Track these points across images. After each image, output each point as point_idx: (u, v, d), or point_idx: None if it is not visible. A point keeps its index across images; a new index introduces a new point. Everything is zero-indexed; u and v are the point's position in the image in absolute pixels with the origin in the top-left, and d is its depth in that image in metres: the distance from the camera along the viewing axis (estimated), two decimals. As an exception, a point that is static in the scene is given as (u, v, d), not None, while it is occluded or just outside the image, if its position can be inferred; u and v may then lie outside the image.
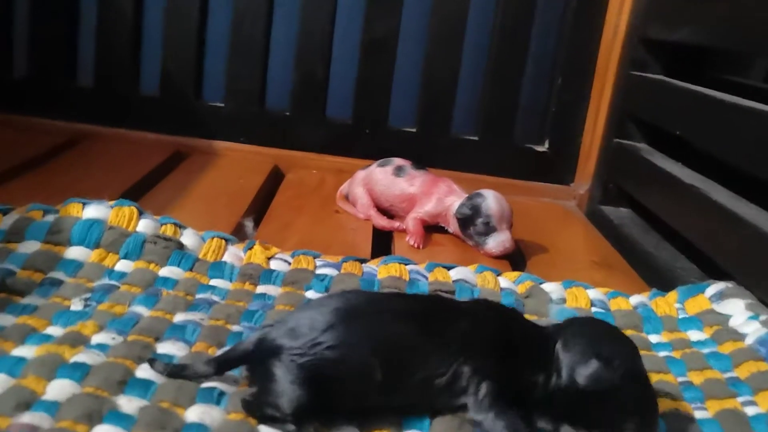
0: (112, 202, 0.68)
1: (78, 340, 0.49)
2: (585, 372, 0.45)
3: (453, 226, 0.89)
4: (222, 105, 1.16)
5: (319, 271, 0.67)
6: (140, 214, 0.68)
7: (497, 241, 0.83)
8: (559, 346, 0.47)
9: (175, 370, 0.47)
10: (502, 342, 0.47)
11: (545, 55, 1.20)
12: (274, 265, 0.68)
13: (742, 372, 0.55)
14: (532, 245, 0.92)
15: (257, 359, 0.46)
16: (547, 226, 1.03)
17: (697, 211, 0.80)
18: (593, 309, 0.67)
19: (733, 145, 0.75)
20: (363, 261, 0.72)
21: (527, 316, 0.64)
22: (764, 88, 1.02)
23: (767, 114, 0.70)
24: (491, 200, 0.84)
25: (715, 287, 0.67)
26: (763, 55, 0.85)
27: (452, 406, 0.46)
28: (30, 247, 0.62)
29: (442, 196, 0.90)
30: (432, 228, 0.92)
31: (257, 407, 0.44)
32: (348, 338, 0.44)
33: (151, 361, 0.48)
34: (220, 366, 0.48)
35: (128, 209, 0.67)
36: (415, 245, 0.87)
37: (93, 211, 0.66)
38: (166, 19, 1.13)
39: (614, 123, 1.10)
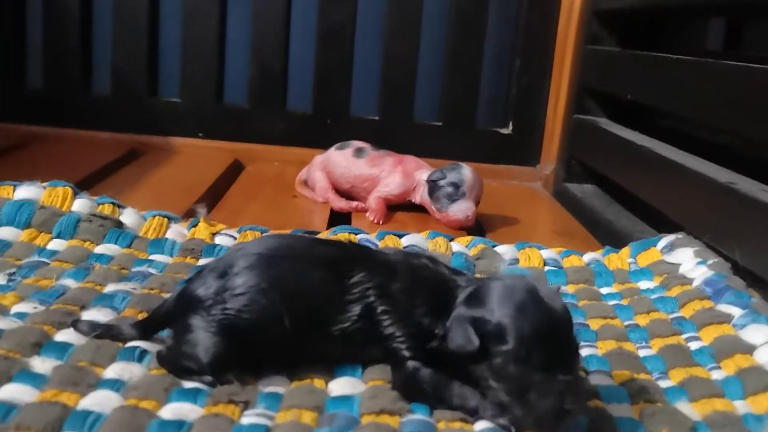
0: (45, 183, 0.66)
1: (-5, 310, 0.47)
2: (454, 336, 0.40)
3: (421, 194, 0.88)
4: (178, 101, 1.15)
5: (264, 244, 0.66)
6: (75, 194, 0.66)
7: (461, 207, 0.82)
8: (458, 301, 0.42)
9: (99, 332, 0.45)
10: (415, 293, 0.43)
11: (504, 38, 1.20)
12: (219, 240, 0.67)
13: (687, 311, 0.54)
14: (494, 220, 0.91)
15: (178, 314, 0.44)
16: (511, 205, 1.01)
17: (648, 169, 0.80)
18: (546, 267, 0.66)
19: (677, 99, 0.75)
20: (313, 233, 0.70)
21: (477, 276, 0.63)
22: (715, 51, 1.02)
23: (704, 64, 0.70)
24: (467, 170, 0.85)
25: (666, 239, 0.66)
26: (709, 14, 0.85)
27: (375, 357, 0.44)
28: (-43, 229, 0.60)
29: (410, 171, 0.89)
30: (396, 207, 0.90)
31: (172, 359, 0.42)
32: (255, 285, 0.42)
33: (75, 323, 0.46)
34: (146, 329, 0.46)
35: (62, 189, 0.65)
36: (376, 221, 0.85)
37: (24, 191, 0.64)
38: (115, 17, 1.12)
39: (574, 99, 1.10)
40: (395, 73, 1.16)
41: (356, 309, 0.43)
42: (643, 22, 1.01)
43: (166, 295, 0.54)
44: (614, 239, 0.85)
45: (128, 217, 0.66)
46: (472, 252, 0.67)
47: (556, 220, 0.96)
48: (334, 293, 0.43)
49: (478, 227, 0.88)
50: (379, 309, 0.43)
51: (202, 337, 0.42)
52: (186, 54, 1.13)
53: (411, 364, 0.41)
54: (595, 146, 1.02)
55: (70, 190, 0.65)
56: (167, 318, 0.45)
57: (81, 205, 0.65)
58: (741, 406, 0.43)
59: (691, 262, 0.61)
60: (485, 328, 0.39)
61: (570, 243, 0.83)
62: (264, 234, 0.45)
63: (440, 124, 1.19)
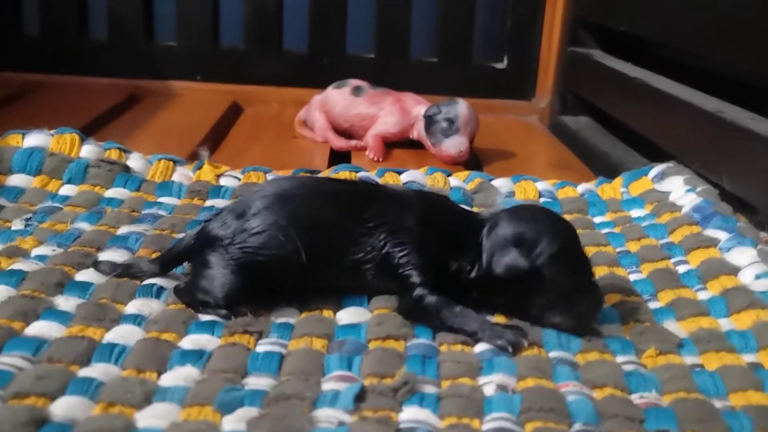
0: (52, 131, 0.67)
1: (16, 253, 0.50)
2: (500, 260, 0.42)
3: (418, 130, 0.89)
4: (175, 44, 1.15)
5: (268, 184, 0.68)
6: (82, 140, 0.67)
7: (455, 143, 0.84)
8: (485, 232, 0.44)
9: (119, 271, 0.48)
10: (430, 226, 0.45)
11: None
12: (223, 181, 0.69)
13: (676, 236, 0.56)
14: (490, 154, 0.92)
15: (197, 251, 0.46)
16: (507, 139, 1.03)
17: (640, 100, 0.81)
18: (541, 199, 0.68)
19: (669, 30, 0.76)
20: (315, 173, 0.72)
21: (475, 209, 0.65)
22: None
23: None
24: (462, 105, 0.86)
25: (657, 168, 0.68)
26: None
27: (385, 289, 0.46)
28: (-30, 177, 0.62)
29: (408, 108, 0.90)
30: (394, 145, 0.92)
31: (189, 293, 0.45)
32: (272, 223, 0.44)
33: (96, 264, 0.48)
34: (164, 264, 0.48)
35: (69, 136, 0.67)
36: (375, 158, 0.87)
37: (33, 139, 0.66)
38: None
39: (568, 32, 1.10)
40: (390, 10, 1.16)
41: (371, 241, 0.44)
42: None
43: (178, 236, 0.56)
44: (608, 170, 0.86)
45: (135, 161, 0.68)
46: (469, 186, 0.69)
47: (552, 152, 0.98)
48: (349, 226, 0.44)
49: (474, 161, 0.90)
50: (394, 241, 0.44)
51: (219, 273, 0.44)
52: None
53: (418, 290, 0.44)
54: (589, 79, 1.03)
55: (77, 137, 0.67)
56: (186, 254, 0.47)
57: (89, 151, 0.66)
58: (725, 323, 0.46)
59: (680, 189, 0.63)
60: (527, 244, 0.42)
61: (565, 175, 0.85)
62: (276, 176, 0.47)
63: (436, 60, 1.19)
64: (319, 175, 0.71)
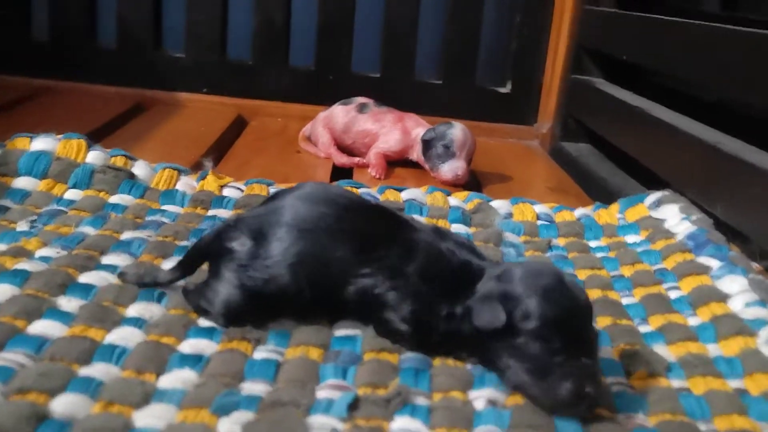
0: (59, 136, 0.68)
1: (20, 253, 0.51)
2: (479, 311, 0.41)
3: (417, 152, 0.90)
4: (182, 56, 1.17)
5: (271, 196, 0.69)
6: (89, 146, 0.68)
7: (452, 167, 0.85)
8: (480, 284, 0.43)
9: (143, 280, 0.48)
10: (427, 277, 0.44)
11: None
12: (227, 192, 0.70)
13: (670, 263, 0.57)
14: (490, 176, 0.94)
15: (213, 255, 0.47)
16: (507, 162, 1.04)
17: (640, 129, 0.83)
18: (539, 222, 0.69)
19: (671, 60, 0.77)
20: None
21: (473, 228, 0.66)
22: (711, 12, 1.04)
23: (698, 27, 0.72)
24: (457, 129, 0.87)
25: (653, 196, 0.69)
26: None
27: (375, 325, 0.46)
28: (-23, 179, 0.63)
29: (409, 129, 0.92)
30: (396, 163, 0.93)
31: (195, 297, 0.46)
32: (283, 261, 0.44)
33: (122, 275, 0.49)
34: (185, 267, 0.48)
35: (76, 141, 0.68)
36: (377, 176, 0.88)
37: (40, 143, 0.67)
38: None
39: (572, 59, 1.11)
40: (397, 31, 1.18)
41: (369, 282, 0.44)
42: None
43: (180, 243, 0.57)
44: (606, 196, 0.88)
45: (140, 169, 0.69)
46: (468, 206, 0.71)
47: (551, 176, 0.99)
48: (352, 267, 0.44)
49: (474, 183, 0.91)
50: (388, 284, 0.44)
51: (224, 288, 0.45)
52: (190, 6, 1.14)
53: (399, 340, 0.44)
54: (590, 106, 1.05)
55: (84, 142, 0.68)
56: (204, 256, 0.48)
57: (95, 156, 0.67)
58: (713, 349, 0.46)
59: (675, 217, 0.64)
60: (512, 305, 0.39)
61: (563, 199, 0.86)
62: (301, 190, 0.45)
63: (440, 82, 1.21)
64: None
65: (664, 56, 0.81)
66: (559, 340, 0.38)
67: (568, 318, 0.39)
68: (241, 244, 0.45)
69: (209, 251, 0.47)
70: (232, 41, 1.18)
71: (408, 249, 0.45)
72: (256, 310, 0.45)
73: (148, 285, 0.48)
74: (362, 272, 0.44)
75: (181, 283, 0.48)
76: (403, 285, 0.44)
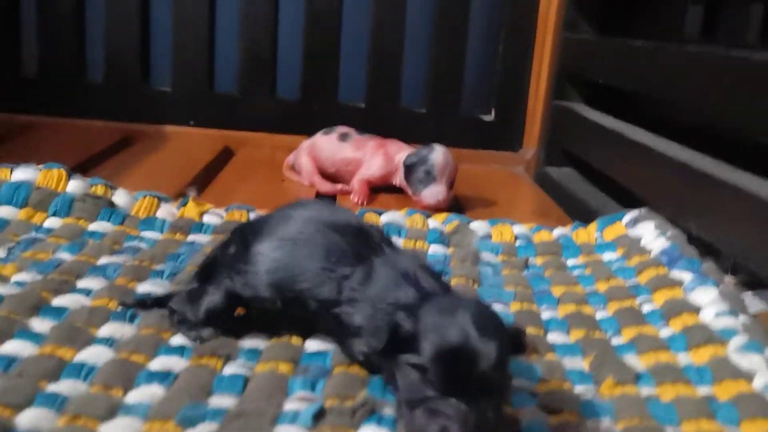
0: (40, 166, 0.69)
1: (-4, 278, 0.51)
2: (374, 333, 0.40)
3: (400, 178, 0.91)
4: (169, 89, 1.18)
5: (250, 221, 0.69)
6: (69, 176, 0.69)
7: (433, 192, 0.86)
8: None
9: (154, 302, 0.50)
10: (382, 298, 0.43)
11: (488, 27, 1.23)
12: (207, 218, 0.70)
13: (643, 278, 0.58)
14: (473, 201, 0.94)
15: (212, 260, 0.49)
16: (491, 188, 1.05)
17: (618, 151, 0.84)
18: (517, 242, 0.70)
19: (642, 81, 0.79)
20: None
21: (451, 248, 0.67)
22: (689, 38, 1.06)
23: (673, 51, 0.73)
24: (438, 153, 0.88)
25: (630, 214, 0.70)
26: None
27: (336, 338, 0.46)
28: (-42, 208, 0.63)
29: (392, 154, 0.93)
30: (379, 189, 0.94)
31: (179, 307, 0.47)
32: (259, 272, 0.45)
33: (138, 303, 0.50)
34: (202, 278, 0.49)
35: (57, 171, 0.69)
36: (359, 202, 0.89)
37: (21, 173, 0.68)
38: (108, 4, 1.15)
39: (554, 86, 1.13)
40: (382, 60, 1.20)
41: (333, 296, 0.44)
42: (620, 8, 1.05)
43: (157, 266, 0.58)
44: (586, 216, 0.88)
45: (120, 197, 0.70)
46: (447, 228, 0.71)
47: (534, 201, 1.00)
48: (323, 282, 0.44)
49: (457, 208, 0.92)
50: (344, 304, 0.44)
51: (210, 293, 0.47)
52: (177, 41, 1.16)
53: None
54: (571, 131, 1.06)
55: (64, 172, 0.69)
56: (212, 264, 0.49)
57: (75, 186, 0.68)
58: (683, 358, 0.47)
59: (651, 234, 0.64)
60: (401, 333, 0.38)
61: (545, 222, 0.86)
62: (294, 205, 0.46)
63: (425, 110, 1.22)
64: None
65: (639, 79, 0.83)
66: (440, 378, 0.36)
67: (455, 357, 0.36)
68: (231, 249, 0.47)
69: (213, 257, 0.49)
70: (219, 74, 1.20)
71: (370, 271, 0.44)
72: (232, 311, 0.47)
73: (160, 306, 0.49)
74: (330, 287, 0.44)
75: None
76: (358, 306, 0.43)
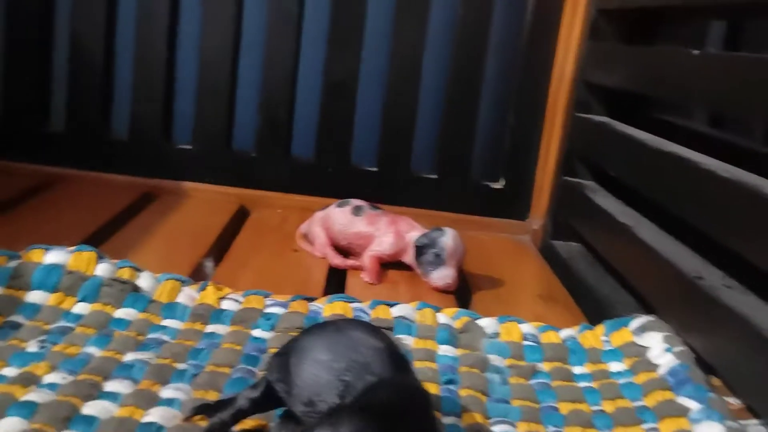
0: (72, 248, 0.72)
1: (30, 380, 0.53)
2: None
3: (410, 256, 0.94)
4: (190, 147, 1.21)
5: (267, 310, 0.72)
6: (99, 258, 0.72)
7: (441, 275, 0.89)
8: None
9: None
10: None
11: (499, 98, 1.27)
12: (225, 304, 0.73)
13: (650, 401, 0.60)
14: (480, 279, 0.97)
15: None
16: (498, 261, 1.08)
17: (627, 247, 0.86)
18: (525, 342, 0.72)
19: (659, 187, 0.81)
20: (311, 299, 0.76)
21: (460, 350, 0.69)
22: (700, 131, 1.09)
23: (683, 158, 0.76)
24: (448, 237, 0.90)
25: (638, 321, 0.72)
26: (690, 102, 0.92)
27: None
28: (-7, 292, 0.66)
29: (403, 232, 0.95)
30: (389, 265, 0.96)
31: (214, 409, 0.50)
32: (274, 376, 0.49)
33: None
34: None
35: (87, 254, 0.71)
36: (370, 281, 0.91)
37: (53, 256, 0.70)
38: (136, 65, 1.19)
39: (563, 161, 1.16)
40: (395, 127, 1.23)
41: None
42: (630, 98, 1.08)
43: (178, 365, 0.60)
44: (595, 307, 0.91)
45: (144, 280, 0.72)
46: (457, 324, 0.73)
47: (542, 281, 1.02)
48: (325, 390, 0.46)
49: (463, 286, 0.95)
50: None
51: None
52: (199, 103, 1.20)
53: None
54: (579, 210, 1.09)
55: (94, 255, 0.71)
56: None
57: (103, 269, 0.71)
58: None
59: (659, 347, 0.66)
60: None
61: (553, 309, 0.89)
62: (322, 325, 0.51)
63: (435, 176, 1.25)
64: (315, 302, 0.75)
65: (649, 175, 0.85)
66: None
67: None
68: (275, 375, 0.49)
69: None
70: (237, 134, 1.23)
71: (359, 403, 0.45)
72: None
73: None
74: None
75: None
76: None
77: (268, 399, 0.50)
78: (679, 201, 0.76)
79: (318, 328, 0.51)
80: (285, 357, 0.49)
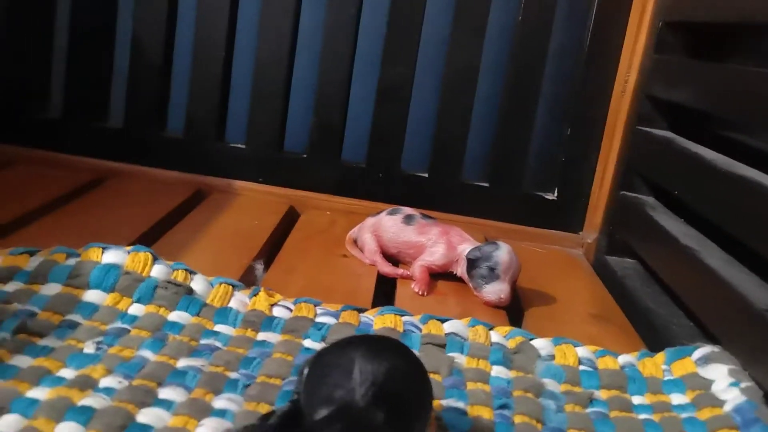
0: (129, 248, 0.72)
1: (87, 384, 0.53)
2: None
3: (461, 268, 0.92)
4: (243, 147, 1.22)
5: (318, 320, 0.71)
6: (154, 259, 0.72)
7: (495, 289, 0.87)
8: None
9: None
10: None
11: (555, 107, 1.24)
12: (276, 311, 0.72)
13: (715, 441, 0.58)
14: (532, 295, 0.95)
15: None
16: (550, 276, 1.05)
17: (691, 272, 0.82)
18: (581, 367, 0.70)
19: (727, 212, 0.78)
20: (361, 310, 0.75)
21: (513, 372, 0.67)
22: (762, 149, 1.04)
23: (755, 182, 0.73)
24: (504, 252, 0.88)
25: (701, 351, 0.69)
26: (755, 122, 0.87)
27: None
28: (52, 289, 0.67)
29: (454, 243, 0.94)
30: (438, 276, 0.95)
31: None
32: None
33: None
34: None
35: (143, 255, 0.71)
36: (420, 292, 0.90)
37: (111, 256, 0.71)
38: (194, 64, 1.20)
39: (621, 175, 1.13)
40: (447, 133, 1.21)
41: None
42: (695, 114, 1.04)
43: (230, 374, 0.60)
44: (651, 330, 0.88)
45: (198, 284, 0.72)
46: (510, 344, 0.72)
47: (594, 299, 0.99)
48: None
49: (516, 302, 0.92)
50: None
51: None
52: (253, 104, 1.20)
53: None
54: (638, 227, 1.05)
55: (150, 256, 0.72)
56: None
57: (158, 271, 0.71)
58: None
59: (724, 381, 0.64)
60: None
61: (606, 330, 0.87)
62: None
63: (487, 184, 1.23)
64: (365, 314, 0.74)
65: (713, 203, 0.82)
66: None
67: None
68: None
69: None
70: (290, 135, 1.23)
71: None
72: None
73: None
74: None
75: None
76: None
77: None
78: (749, 228, 0.73)
79: (335, 344, 0.49)
80: (301, 370, 0.49)
